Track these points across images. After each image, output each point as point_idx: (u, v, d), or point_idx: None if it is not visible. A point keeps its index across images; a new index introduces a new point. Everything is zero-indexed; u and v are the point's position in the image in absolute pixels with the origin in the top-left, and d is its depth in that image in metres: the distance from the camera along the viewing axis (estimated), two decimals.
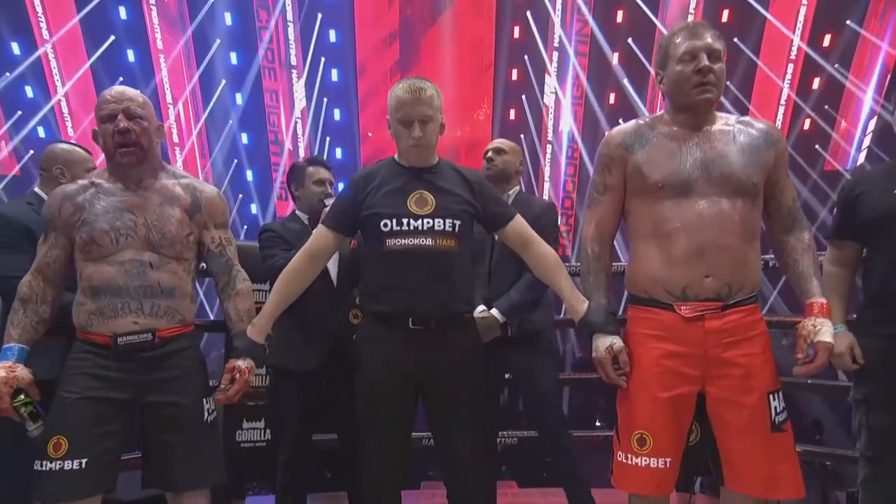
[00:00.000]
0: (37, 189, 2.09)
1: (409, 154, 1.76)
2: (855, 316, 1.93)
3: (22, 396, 1.50)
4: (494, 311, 2.22)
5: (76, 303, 1.62)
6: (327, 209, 1.93)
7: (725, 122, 1.60)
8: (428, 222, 1.68)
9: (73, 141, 2.09)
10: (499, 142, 2.49)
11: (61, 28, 8.54)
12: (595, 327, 1.59)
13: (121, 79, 8.79)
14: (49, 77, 8.75)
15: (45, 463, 1.49)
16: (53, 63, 8.70)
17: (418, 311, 1.68)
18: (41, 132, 9.13)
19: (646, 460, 1.50)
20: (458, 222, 1.71)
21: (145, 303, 1.60)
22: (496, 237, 2.40)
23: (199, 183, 1.79)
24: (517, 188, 2.47)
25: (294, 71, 9.85)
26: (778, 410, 1.49)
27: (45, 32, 8.55)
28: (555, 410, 2.37)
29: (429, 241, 1.68)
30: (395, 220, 1.68)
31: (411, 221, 1.68)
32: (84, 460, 1.49)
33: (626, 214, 1.67)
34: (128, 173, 1.67)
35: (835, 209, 1.98)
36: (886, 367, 1.75)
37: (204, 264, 1.80)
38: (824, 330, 1.50)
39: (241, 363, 1.64)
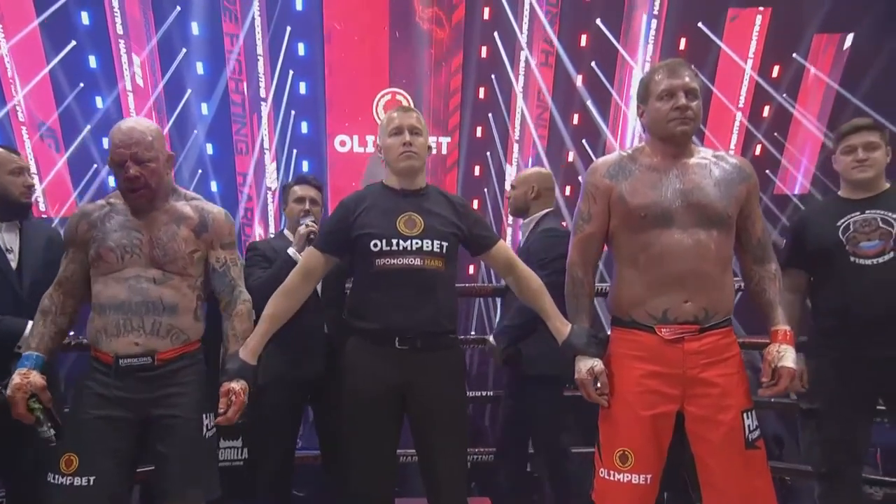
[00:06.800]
0: None
1: (400, 164, 1.79)
2: (805, 338, 2.07)
3: (33, 401, 1.60)
4: (490, 337, 2.36)
5: (89, 319, 1.68)
6: (319, 232, 1.95)
7: (702, 155, 1.69)
8: (416, 243, 1.73)
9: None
10: (515, 178, 2.50)
11: (19, 32, 8.25)
12: (578, 349, 1.66)
13: (81, 84, 8.55)
14: (4, 80, 8.43)
15: (57, 477, 1.58)
16: (9, 66, 8.39)
17: (404, 330, 1.71)
18: None
19: (627, 476, 1.57)
20: (445, 244, 1.76)
21: (146, 319, 1.64)
22: None
23: (207, 204, 1.84)
24: (539, 214, 2.43)
25: (262, 83, 9.76)
26: (751, 428, 1.57)
27: (0, 36, 8.25)
28: (538, 434, 2.43)
29: (417, 262, 1.72)
30: (384, 241, 1.72)
31: (400, 242, 1.72)
32: (92, 478, 1.56)
33: (609, 241, 1.74)
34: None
35: (785, 240, 2.13)
36: (837, 384, 1.90)
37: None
38: (787, 356, 1.60)
39: (235, 385, 1.67)
